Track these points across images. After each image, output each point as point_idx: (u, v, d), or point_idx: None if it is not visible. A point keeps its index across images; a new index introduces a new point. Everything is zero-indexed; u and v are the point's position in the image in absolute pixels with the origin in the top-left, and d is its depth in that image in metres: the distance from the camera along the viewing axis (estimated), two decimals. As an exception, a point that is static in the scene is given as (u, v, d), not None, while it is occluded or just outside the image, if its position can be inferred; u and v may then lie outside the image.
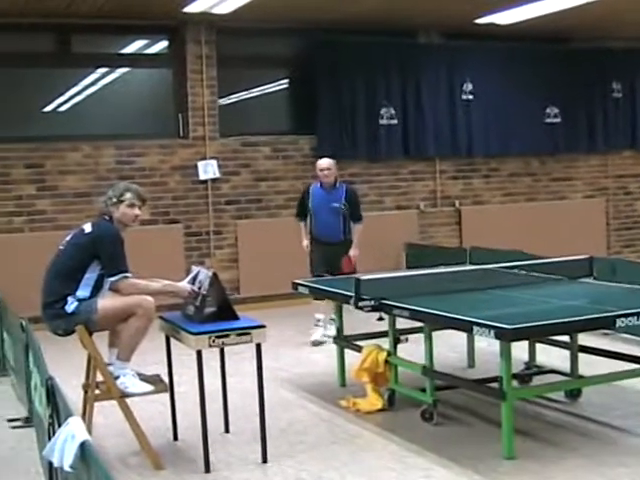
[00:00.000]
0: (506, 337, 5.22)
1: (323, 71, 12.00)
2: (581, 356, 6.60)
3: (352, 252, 9.22)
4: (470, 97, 12.80)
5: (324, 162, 9.38)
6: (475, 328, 5.33)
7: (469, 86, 12.77)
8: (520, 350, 6.75)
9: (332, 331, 8.94)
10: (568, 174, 13.77)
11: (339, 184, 9.38)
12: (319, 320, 9.24)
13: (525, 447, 5.64)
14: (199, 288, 5.74)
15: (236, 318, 5.63)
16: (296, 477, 5.39)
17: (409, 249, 12.07)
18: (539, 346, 7.12)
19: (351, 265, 9.10)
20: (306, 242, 9.42)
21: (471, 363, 7.82)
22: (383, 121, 12.30)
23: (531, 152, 13.38)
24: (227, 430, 6.27)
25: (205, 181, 11.49)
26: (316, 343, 9.11)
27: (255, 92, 12.17)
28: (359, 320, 7.91)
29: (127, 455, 5.87)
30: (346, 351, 7.43)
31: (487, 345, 7.74)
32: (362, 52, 12.11)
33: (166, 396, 6.15)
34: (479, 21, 11.72)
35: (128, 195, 5.89)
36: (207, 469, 5.48)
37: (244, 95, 12.13)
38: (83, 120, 11.28)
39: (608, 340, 8.02)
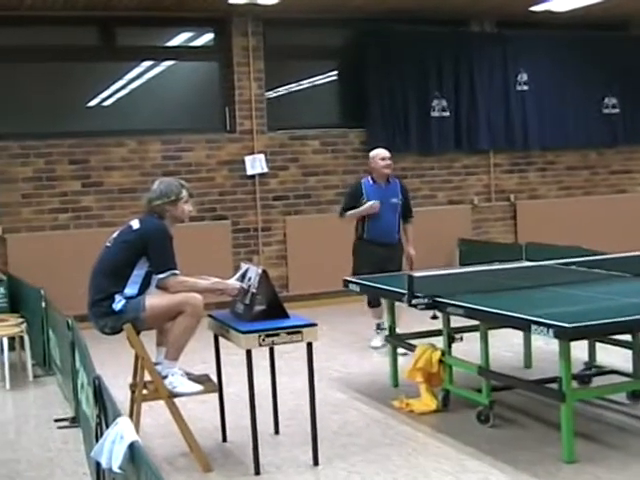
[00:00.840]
0: (566, 336, 5.16)
1: (373, 62, 11.96)
2: (644, 356, 6.51)
3: (412, 251, 9.01)
4: (525, 88, 12.70)
5: (385, 151, 9.02)
6: (533, 327, 5.27)
7: (524, 76, 12.67)
8: (579, 350, 6.67)
9: (378, 341, 8.86)
10: (628, 166, 13.61)
11: (391, 178, 9.07)
12: (379, 325, 8.96)
13: (586, 451, 5.57)
14: (248, 286, 5.74)
15: (286, 316, 5.62)
16: (348, 480, 5.38)
17: (463, 245, 12.00)
18: (599, 345, 7.04)
19: (413, 265, 8.97)
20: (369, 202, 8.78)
21: (528, 363, 7.75)
22: (435, 113, 12.24)
23: (589, 144, 13.23)
24: (277, 431, 6.27)
25: (253, 176, 11.51)
26: (377, 348, 8.87)
27: (303, 84, 12.19)
28: (412, 318, 7.88)
29: (175, 456, 5.90)
30: (399, 350, 7.40)
31: (544, 344, 7.68)
32: (413, 42, 12.05)
33: (215, 396, 6.17)
34: (534, 8, 11.62)
35: (184, 192, 5.94)
36: (257, 471, 5.48)
37: (292, 87, 12.14)
38: (128, 115, 11.38)
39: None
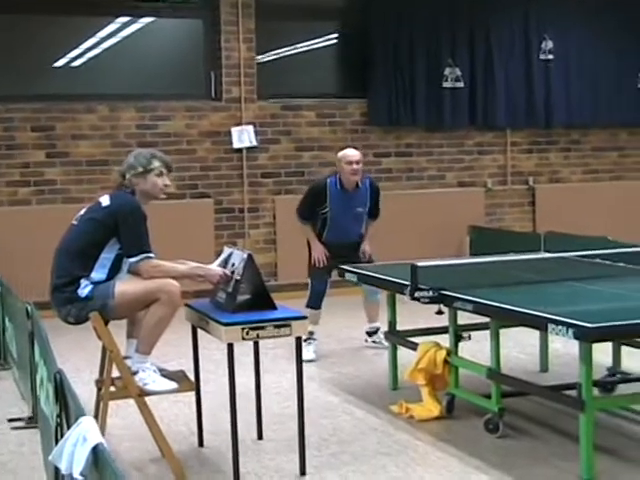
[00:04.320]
0: (587, 337, 5.15)
1: (377, 24, 11.95)
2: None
3: (368, 247, 8.79)
4: (550, 57, 12.69)
5: (355, 154, 8.62)
6: (550, 326, 5.28)
7: (549, 44, 12.66)
8: (602, 353, 6.69)
9: (310, 353, 8.32)
10: (662, 149, 13.64)
11: (362, 179, 8.70)
12: (312, 333, 8.56)
13: (607, 467, 5.58)
14: (232, 272, 5.75)
15: (273, 307, 5.65)
16: (339, 493, 5.41)
17: (474, 233, 12.01)
18: (625, 349, 7.05)
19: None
20: (321, 247, 8.62)
21: (544, 367, 7.77)
22: (447, 84, 12.24)
23: (619, 123, 13.23)
24: (260, 436, 6.29)
25: (240, 150, 11.52)
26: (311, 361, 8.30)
27: (299, 48, 12.17)
28: (414, 313, 7.89)
29: (145, 462, 5.92)
30: (399, 349, 7.43)
31: (562, 346, 7.71)
32: (424, 2, 12.04)
33: (191, 396, 6.20)
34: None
35: (156, 163, 5.92)
36: (237, 480, 5.52)
37: (286, 51, 12.13)
38: (100, 77, 11.36)
39: None
